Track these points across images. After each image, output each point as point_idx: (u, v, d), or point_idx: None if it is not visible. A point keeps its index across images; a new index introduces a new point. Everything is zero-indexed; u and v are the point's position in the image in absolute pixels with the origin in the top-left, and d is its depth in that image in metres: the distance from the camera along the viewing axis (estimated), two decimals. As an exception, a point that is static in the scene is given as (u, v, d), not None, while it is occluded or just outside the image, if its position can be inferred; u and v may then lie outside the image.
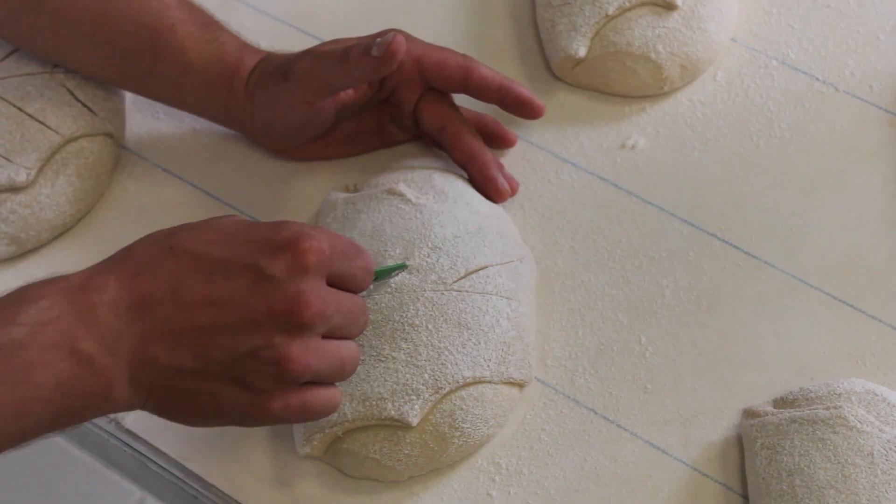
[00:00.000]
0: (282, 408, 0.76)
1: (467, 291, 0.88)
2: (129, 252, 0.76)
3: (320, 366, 0.76)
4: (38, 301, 0.73)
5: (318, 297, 0.75)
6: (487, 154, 0.97)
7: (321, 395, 0.78)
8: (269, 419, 0.77)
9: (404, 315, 0.86)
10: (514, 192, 0.98)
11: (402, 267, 0.88)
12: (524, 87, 0.98)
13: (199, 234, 0.76)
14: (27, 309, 0.72)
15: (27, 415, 0.72)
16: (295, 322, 0.74)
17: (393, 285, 0.87)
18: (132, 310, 0.74)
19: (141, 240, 0.77)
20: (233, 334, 0.74)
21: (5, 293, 0.74)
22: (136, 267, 0.75)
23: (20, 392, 0.71)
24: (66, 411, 0.73)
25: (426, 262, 0.89)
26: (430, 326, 0.86)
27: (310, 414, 0.78)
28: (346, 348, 0.78)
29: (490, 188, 0.97)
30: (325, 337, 0.77)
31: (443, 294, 0.87)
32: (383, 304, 0.87)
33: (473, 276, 0.88)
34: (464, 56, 0.98)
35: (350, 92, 0.96)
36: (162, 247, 0.76)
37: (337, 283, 0.78)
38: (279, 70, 0.94)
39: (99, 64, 0.98)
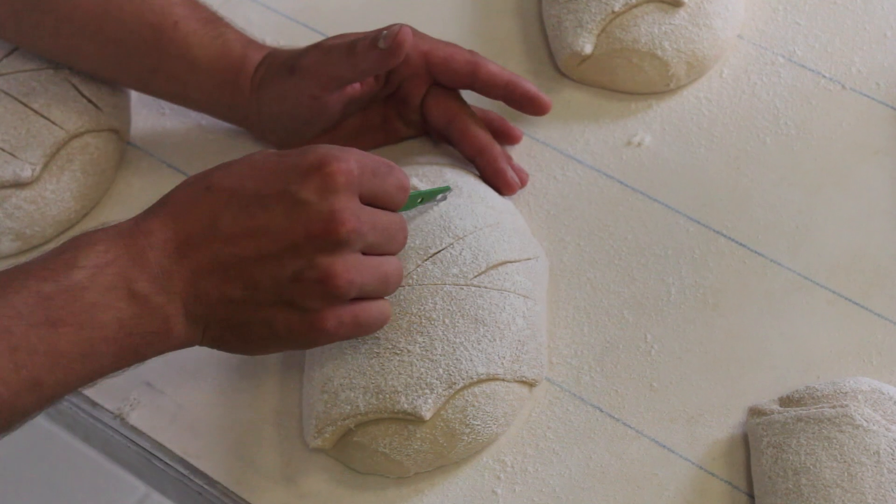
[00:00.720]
0: (335, 324, 0.79)
1: (486, 287, 0.87)
2: (170, 197, 0.80)
3: (364, 280, 0.79)
4: (95, 245, 0.76)
5: (352, 214, 0.77)
6: (496, 147, 0.97)
7: (372, 307, 0.80)
8: (325, 337, 0.79)
9: (422, 308, 0.86)
10: (523, 183, 0.98)
11: (446, 190, 0.90)
12: (531, 84, 0.98)
13: (233, 171, 0.79)
14: (86, 253, 0.76)
15: (93, 355, 0.75)
16: (332, 240, 0.77)
17: (415, 277, 0.87)
18: (179, 249, 0.77)
19: (180, 184, 0.80)
20: (276, 260, 0.77)
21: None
22: (177, 209, 0.78)
23: (85, 333, 0.74)
24: (130, 350, 0.77)
25: (449, 252, 0.88)
26: (446, 321, 0.86)
27: (364, 327, 0.80)
28: (388, 263, 0.81)
29: (500, 181, 0.97)
30: (365, 254, 0.79)
31: (462, 289, 0.87)
32: (402, 297, 0.87)
33: (493, 271, 0.88)
34: (471, 52, 0.97)
35: (357, 86, 0.96)
36: (199, 188, 0.79)
37: (371, 201, 0.80)
38: (286, 64, 0.94)
39: (103, 63, 0.98)
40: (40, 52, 0.99)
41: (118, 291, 0.75)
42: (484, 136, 0.97)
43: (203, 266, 0.77)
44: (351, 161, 0.78)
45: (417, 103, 0.98)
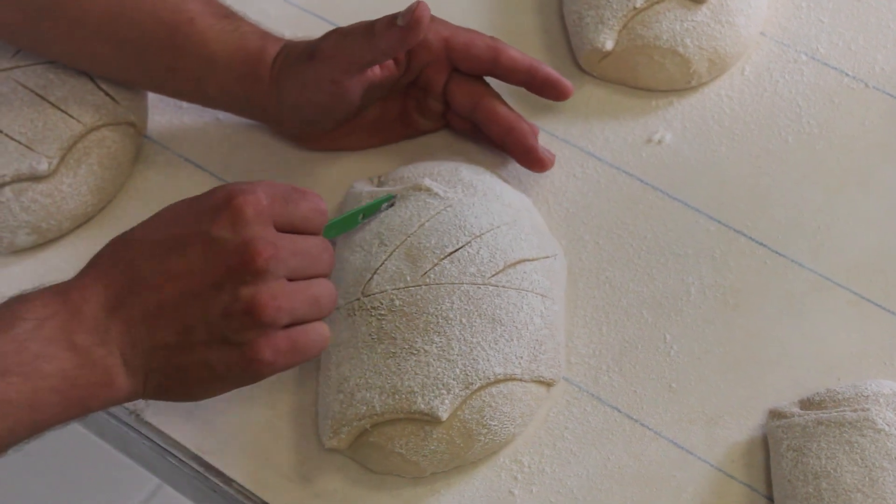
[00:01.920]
0: (272, 353, 0.79)
1: (504, 287, 0.87)
2: (98, 255, 0.81)
3: (293, 305, 0.79)
4: (34, 300, 0.78)
5: (267, 242, 0.78)
6: (525, 124, 0.97)
7: (308, 331, 0.80)
8: (265, 367, 0.79)
9: (439, 308, 0.86)
10: (552, 163, 0.97)
11: (389, 198, 0.91)
12: (551, 69, 0.97)
13: (151, 222, 0.82)
14: (27, 307, 0.77)
15: (39, 405, 0.76)
16: (251, 270, 0.77)
17: (432, 276, 0.87)
18: (110, 302, 0.78)
19: (107, 243, 0.82)
20: (201, 300, 0.78)
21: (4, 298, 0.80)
22: (104, 264, 0.80)
23: (31, 383, 0.75)
24: (75, 401, 0.77)
25: (467, 251, 0.88)
26: (463, 320, 0.85)
27: (303, 352, 0.80)
28: (316, 285, 0.81)
29: (532, 158, 0.96)
30: (291, 279, 0.80)
31: (479, 288, 0.86)
32: (418, 297, 0.86)
33: (510, 270, 0.88)
34: (491, 38, 0.97)
35: (377, 70, 0.95)
36: (121, 243, 0.81)
37: (288, 228, 0.81)
38: (305, 51, 0.93)
39: (118, 65, 0.97)
40: (55, 57, 0.98)
41: (60, 343, 0.76)
42: (512, 115, 0.97)
43: (134, 316, 0.78)
44: (258, 192, 0.79)
45: (440, 90, 0.98)
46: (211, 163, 1.01)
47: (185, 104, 1.04)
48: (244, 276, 0.77)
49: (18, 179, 0.95)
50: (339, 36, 0.92)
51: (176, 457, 0.89)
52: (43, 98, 0.97)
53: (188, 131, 1.03)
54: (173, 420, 0.89)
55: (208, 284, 0.78)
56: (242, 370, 0.79)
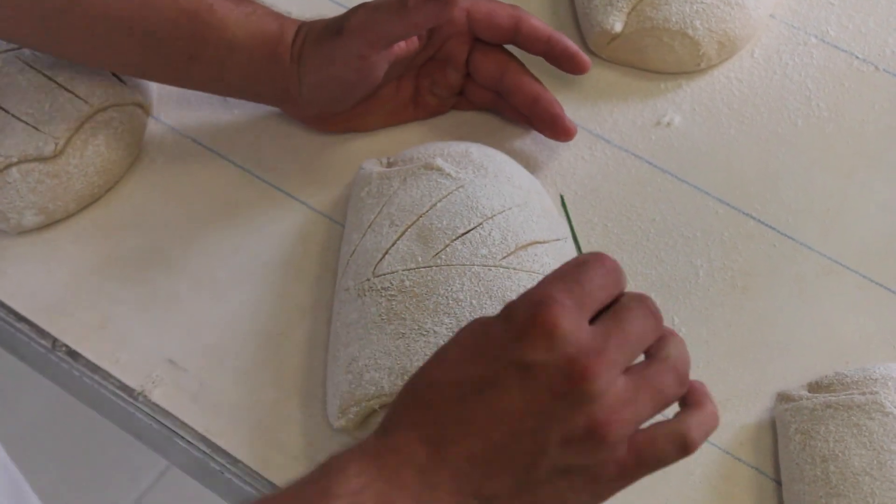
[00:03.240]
0: (619, 469, 0.70)
1: (515, 269, 0.87)
2: (398, 407, 0.72)
3: (638, 410, 0.69)
4: (346, 469, 0.69)
5: (592, 352, 0.68)
6: (550, 94, 0.97)
7: (655, 439, 0.70)
8: (616, 488, 0.71)
9: (449, 289, 0.85)
10: (575, 133, 0.97)
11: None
12: (571, 42, 0.97)
13: (448, 360, 0.71)
14: (338, 479, 0.68)
15: None
16: (584, 391, 0.68)
17: (443, 257, 0.86)
18: (431, 459, 0.69)
19: (400, 393, 0.73)
20: (533, 436, 0.68)
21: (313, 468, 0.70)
22: (412, 417, 0.71)
23: None
24: None
25: (479, 233, 0.87)
26: (473, 302, 0.85)
27: (648, 465, 0.71)
28: (655, 370, 0.70)
29: (558, 127, 0.96)
30: (630, 371, 0.70)
31: (490, 270, 0.86)
32: (429, 278, 0.86)
33: (522, 252, 0.87)
34: (512, 6, 0.97)
35: (402, 45, 0.95)
36: (421, 388, 0.72)
37: (599, 307, 0.71)
38: (331, 27, 0.93)
39: (139, 59, 0.95)
40: (69, 57, 0.97)
41: None
42: (538, 85, 0.97)
43: (461, 469, 0.69)
44: (557, 295, 0.69)
45: (462, 62, 0.98)
46: (218, 143, 1.01)
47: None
48: (577, 398, 0.68)
49: (25, 160, 0.95)
50: (368, 10, 0.92)
51: (183, 438, 0.88)
52: (50, 79, 0.97)
53: (195, 112, 1.03)
54: (181, 401, 0.89)
55: (537, 417, 0.68)
56: (595, 496, 0.71)
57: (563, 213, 0.95)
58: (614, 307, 0.71)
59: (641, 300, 0.72)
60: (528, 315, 0.69)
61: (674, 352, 0.72)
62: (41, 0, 0.92)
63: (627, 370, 0.70)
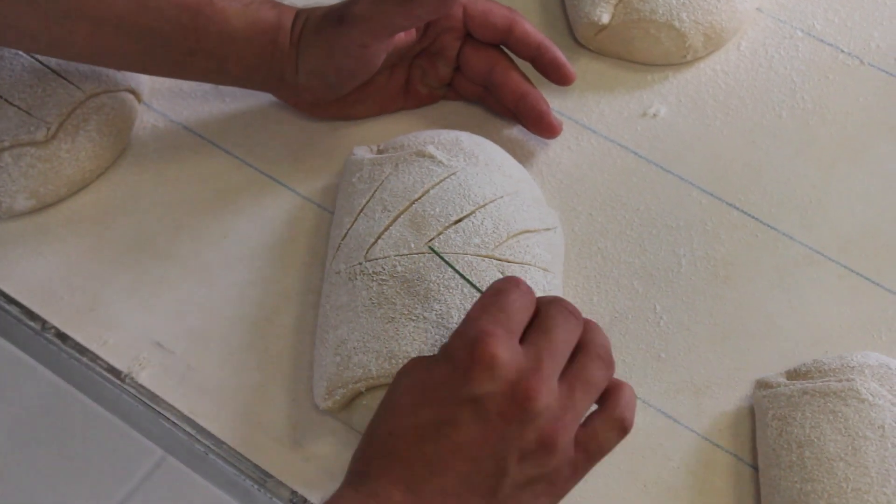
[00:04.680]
0: (574, 471, 0.76)
1: (507, 260, 0.87)
2: (362, 458, 0.77)
3: (577, 407, 0.75)
4: None
5: (532, 372, 0.74)
6: (538, 91, 0.98)
7: (596, 432, 0.77)
8: (572, 486, 0.77)
9: (441, 276, 0.86)
10: (560, 130, 0.98)
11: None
12: (560, 52, 0.98)
13: (398, 409, 0.76)
14: None
15: None
16: (531, 409, 0.73)
17: (436, 244, 0.87)
18: (408, 498, 0.74)
19: (361, 445, 0.77)
20: (494, 459, 0.74)
21: None
22: (383, 465, 0.75)
23: None
24: None
25: (471, 221, 0.88)
26: (464, 290, 0.86)
27: (596, 457, 0.77)
28: (581, 365, 0.76)
29: (543, 123, 0.98)
30: (562, 375, 0.76)
31: (483, 260, 0.87)
32: (421, 264, 0.87)
33: (513, 242, 0.88)
34: (508, 8, 0.98)
35: (402, 36, 0.97)
36: (385, 438, 0.76)
37: (521, 328, 0.76)
38: (331, 15, 0.94)
39: (140, 56, 0.95)
40: (71, 59, 0.97)
41: None
42: (526, 82, 0.98)
43: (435, 500, 0.74)
44: (487, 327, 0.74)
45: (453, 56, 0.99)
46: (209, 130, 1.02)
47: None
48: (525, 417, 0.73)
49: (17, 145, 0.96)
50: (371, 1, 0.93)
51: (169, 420, 0.89)
52: (43, 64, 0.98)
53: (186, 99, 1.04)
54: (167, 383, 0.90)
55: (494, 443, 0.73)
56: (555, 496, 0.77)
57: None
58: (536, 321, 0.77)
59: (559, 305, 0.77)
60: (467, 353, 0.74)
61: (594, 338, 0.78)
62: (45, 8, 0.92)
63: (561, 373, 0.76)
